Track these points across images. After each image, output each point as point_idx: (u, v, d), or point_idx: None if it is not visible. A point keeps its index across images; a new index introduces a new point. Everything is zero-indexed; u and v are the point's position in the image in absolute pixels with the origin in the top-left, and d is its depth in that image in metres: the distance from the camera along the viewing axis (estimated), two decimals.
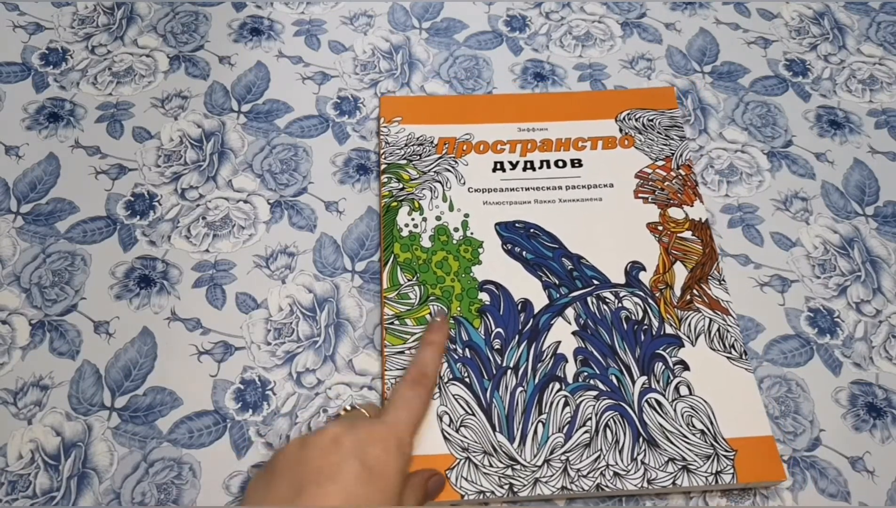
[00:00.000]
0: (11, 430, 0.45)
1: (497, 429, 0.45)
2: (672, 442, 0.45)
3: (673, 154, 0.56)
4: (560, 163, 0.56)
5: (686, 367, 0.47)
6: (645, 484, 0.43)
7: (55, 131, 0.57)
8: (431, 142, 0.56)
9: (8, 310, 0.49)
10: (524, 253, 0.51)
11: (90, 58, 0.61)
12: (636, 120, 0.58)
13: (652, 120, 0.58)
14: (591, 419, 0.45)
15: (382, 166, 0.55)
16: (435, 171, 0.55)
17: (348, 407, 0.43)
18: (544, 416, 0.45)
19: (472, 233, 0.52)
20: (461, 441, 0.45)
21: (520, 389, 0.46)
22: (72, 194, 0.54)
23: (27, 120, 0.57)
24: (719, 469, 0.44)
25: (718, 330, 0.49)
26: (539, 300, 0.49)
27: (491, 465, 0.44)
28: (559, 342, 0.48)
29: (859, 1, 0.68)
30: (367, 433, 0.38)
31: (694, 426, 0.45)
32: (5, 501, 0.43)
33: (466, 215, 0.53)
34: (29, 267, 0.51)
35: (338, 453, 0.36)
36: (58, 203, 0.54)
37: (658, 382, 0.47)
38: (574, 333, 0.48)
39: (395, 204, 0.53)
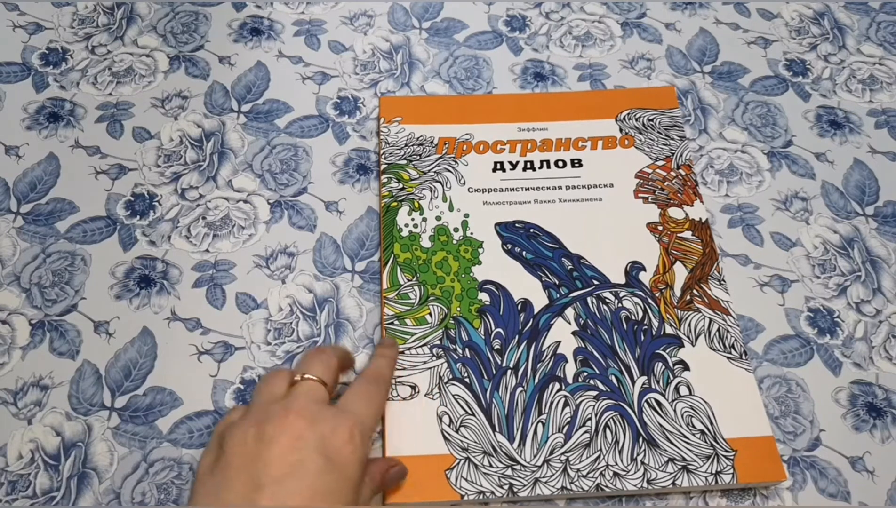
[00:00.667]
0: (11, 430, 0.45)
1: (497, 429, 0.45)
2: (672, 443, 0.45)
3: (673, 154, 0.56)
4: (560, 163, 0.56)
5: (686, 367, 0.47)
6: (645, 484, 0.43)
7: (55, 131, 0.57)
8: (431, 143, 0.56)
9: (8, 310, 0.49)
10: (524, 253, 0.51)
11: (90, 58, 0.61)
12: (636, 120, 0.58)
13: (652, 119, 0.58)
14: (590, 419, 0.45)
15: (382, 166, 0.55)
16: (435, 171, 0.55)
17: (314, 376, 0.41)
18: (544, 416, 0.45)
19: (472, 234, 0.52)
20: (461, 441, 0.45)
21: (520, 389, 0.46)
22: (72, 194, 0.54)
23: (27, 120, 0.57)
24: (719, 470, 0.44)
25: (718, 330, 0.49)
26: (539, 300, 0.49)
27: (491, 465, 0.44)
28: (559, 342, 0.48)
29: (859, 1, 0.68)
30: (331, 427, 0.37)
31: (694, 426, 0.45)
32: (5, 501, 0.43)
33: (466, 215, 0.53)
34: (29, 267, 0.51)
35: (300, 451, 0.36)
36: (58, 203, 0.54)
37: (658, 382, 0.47)
38: (574, 333, 0.48)
39: (395, 204, 0.53)
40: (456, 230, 0.52)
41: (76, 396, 0.47)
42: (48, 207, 0.53)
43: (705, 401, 0.46)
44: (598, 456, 0.44)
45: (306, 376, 0.40)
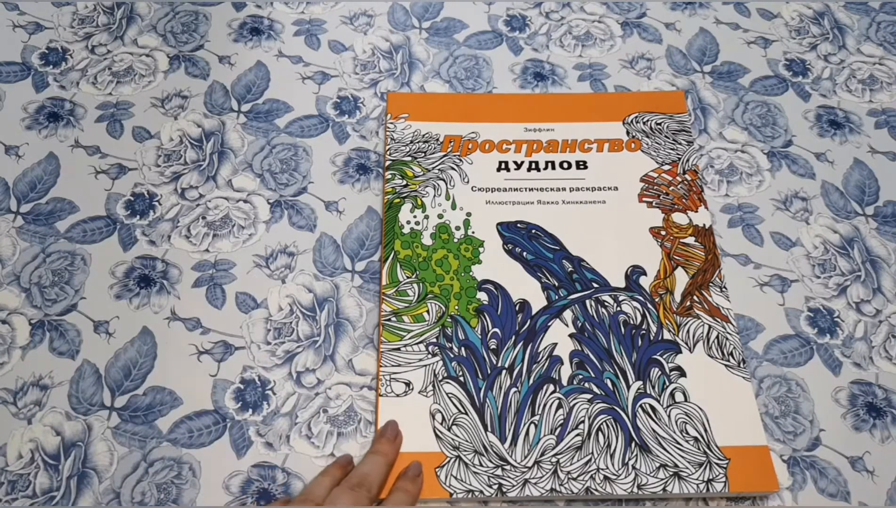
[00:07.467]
0: (11, 430, 0.45)
1: (489, 429, 0.45)
2: (665, 448, 0.45)
3: (680, 158, 0.56)
4: (565, 165, 0.55)
5: (682, 373, 0.47)
6: (635, 490, 0.43)
7: (55, 131, 0.57)
8: (437, 140, 0.56)
9: (8, 310, 0.49)
10: (525, 253, 0.51)
11: (90, 57, 0.61)
12: (644, 123, 0.57)
13: (660, 123, 0.57)
14: (583, 422, 0.45)
15: (387, 162, 0.55)
16: (439, 169, 0.55)
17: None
18: (537, 418, 0.45)
19: (473, 232, 0.52)
20: (452, 439, 0.45)
21: (514, 390, 0.46)
22: (72, 194, 0.54)
23: (27, 120, 0.57)
24: (711, 477, 0.44)
25: (717, 337, 0.49)
26: (537, 301, 0.49)
27: (481, 465, 0.44)
28: (555, 344, 0.48)
29: (859, 1, 0.68)
30: None
31: (687, 433, 0.45)
32: (5, 501, 0.43)
33: (468, 214, 0.53)
34: (29, 267, 0.51)
35: None
36: (58, 203, 0.54)
37: (653, 387, 0.47)
38: (571, 336, 0.48)
39: (397, 200, 0.53)
40: (457, 228, 0.52)
41: (76, 396, 0.47)
42: (48, 207, 0.53)
43: (700, 408, 0.46)
44: (590, 460, 0.44)
45: None
